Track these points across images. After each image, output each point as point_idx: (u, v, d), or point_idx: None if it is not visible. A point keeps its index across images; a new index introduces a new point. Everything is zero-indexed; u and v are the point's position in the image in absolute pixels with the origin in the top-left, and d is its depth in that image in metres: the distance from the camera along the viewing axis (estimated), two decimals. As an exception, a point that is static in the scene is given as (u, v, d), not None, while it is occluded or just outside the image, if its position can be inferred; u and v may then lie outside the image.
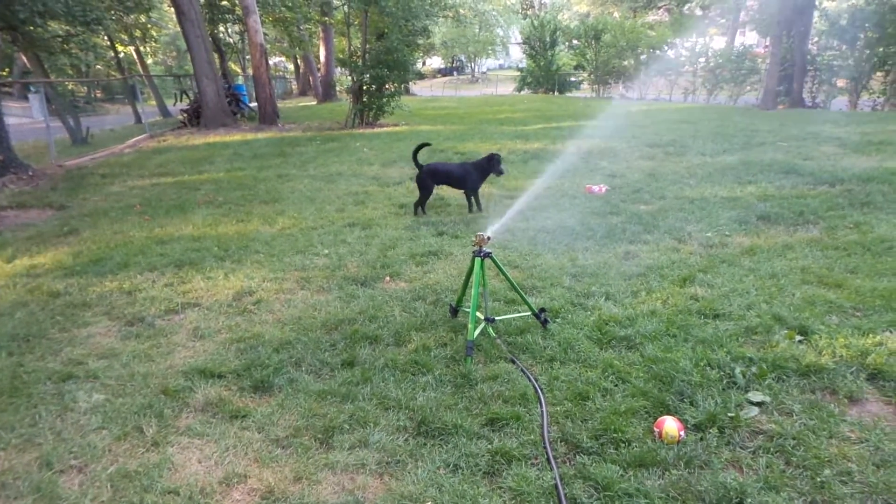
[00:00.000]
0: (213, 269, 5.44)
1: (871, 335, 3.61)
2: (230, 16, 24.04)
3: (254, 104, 21.40)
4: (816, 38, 22.21)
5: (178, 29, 19.76)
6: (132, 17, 23.05)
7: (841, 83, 20.63)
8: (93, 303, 4.74)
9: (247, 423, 3.08)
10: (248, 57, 24.87)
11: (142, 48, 29.09)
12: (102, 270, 5.47)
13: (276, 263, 5.54)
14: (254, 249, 5.96)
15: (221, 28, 25.71)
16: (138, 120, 20.52)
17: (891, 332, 3.66)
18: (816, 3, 21.85)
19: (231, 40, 29.27)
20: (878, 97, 19.45)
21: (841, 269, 4.76)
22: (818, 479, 2.50)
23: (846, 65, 19.88)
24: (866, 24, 18.81)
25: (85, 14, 15.11)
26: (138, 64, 29.02)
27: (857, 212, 6.34)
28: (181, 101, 25.04)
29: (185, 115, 19.45)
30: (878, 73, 19.48)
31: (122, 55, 27.91)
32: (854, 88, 19.83)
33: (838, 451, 2.65)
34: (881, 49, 18.72)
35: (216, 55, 21.87)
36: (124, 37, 25.88)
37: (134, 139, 16.31)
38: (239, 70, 33.45)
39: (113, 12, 20.18)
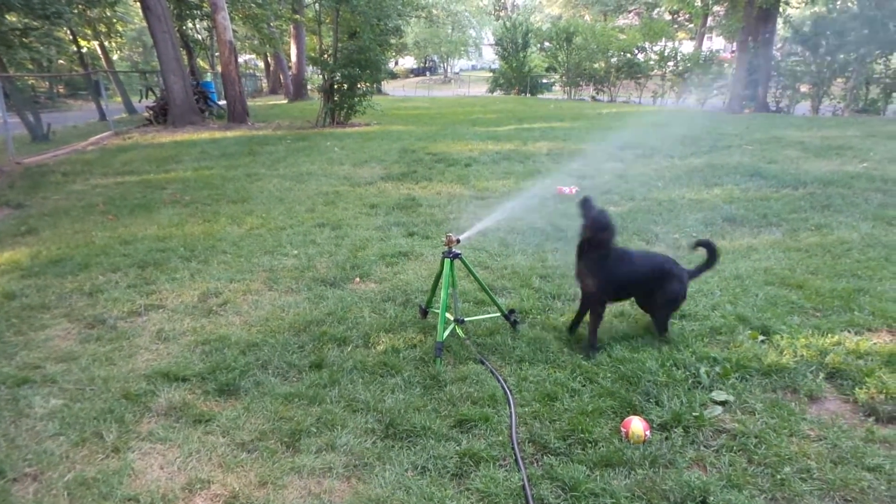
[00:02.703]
0: (179, 269, 5.32)
1: (830, 335, 3.70)
2: (198, 12, 23.60)
3: (223, 102, 21.06)
4: (780, 45, 22.76)
5: (145, 24, 19.32)
6: (96, 10, 22.49)
7: (804, 88, 21.16)
8: (51, 305, 4.60)
9: (211, 427, 3.02)
10: (217, 54, 24.45)
11: (106, 43, 28.41)
12: (62, 271, 5.31)
13: (243, 264, 5.45)
14: (221, 250, 5.85)
15: (189, 24, 25.24)
16: (103, 117, 20.03)
17: (849, 331, 3.76)
18: (780, 10, 22.39)
19: (199, 37, 28.76)
20: (839, 103, 20.02)
21: (802, 270, 4.88)
22: (778, 477, 2.55)
23: (809, 70, 20.41)
24: (828, 32, 19.33)
25: (44, 7, 14.66)
26: (102, 59, 28.33)
27: (819, 214, 6.50)
28: (147, 97, 24.51)
29: (152, 112, 19.03)
30: (839, 80, 20.03)
31: (85, 50, 27.19)
32: (816, 94, 20.36)
33: (798, 449, 2.71)
34: (842, 56, 19.27)
35: (184, 52, 21.47)
36: (88, 31, 25.25)
37: (98, 136, 15.89)
38: (208, 67, 32.91)
39: (75, 6, 19.65)
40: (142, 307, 4.53)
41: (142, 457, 2.81)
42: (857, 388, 3.15)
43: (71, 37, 24.82)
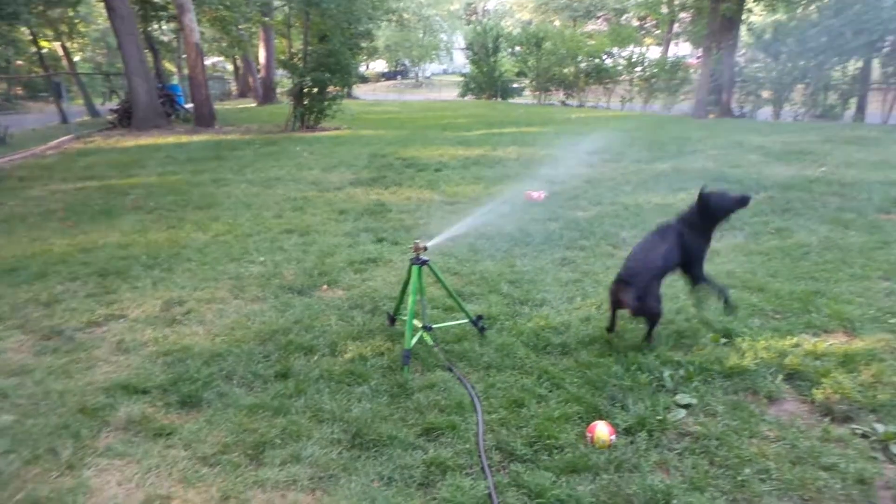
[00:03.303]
0: (141, 277, 5.21)
1: (788, 337, 3.79)
2: (164, 13, 23.18)
3: (189, 105, 20.72)
4: (744, 51, 23.32)
5: (109, 24, 18.90)
6: (57, 11, 21.93)
7: (766, 94, 21.69)
8: (4, 315, 4.44)
9: (172, 440, 2.95)
10: (183, 56, 24.04)
11: (68, 44, 27.72)
12: (16, 280, 5.14)
13: (208, 271, 5.35)
14: (185, 257, 5.74)
15: (155, 25, 24.77)
16: (64, 119, 19.50)
17: (806, 333, 3.85)
18: (744, 17, 22.94)
19: (165, 39, 28.26)
20: (799, 108, 20.57)
21: (763, 273, 4.99)
22: (739, 478, 2.59)
23: (770, 77, 20.93)
24: (788, 39, 19.87)
25: (0, 6, 14.23)
26: (64, 60, 27.62)
27: (779, 218, 6.66)
28: (111, 100, 23.99)
29: (116, 115, 18.62)
30: (799, 86, 20.58)
31: (45, 51, 26.49)
32: (777, 99, 20.88)
33: (758, 450, 2.76)
34: (801, 63, 19.81)
35: (149, 53, 21.08)
36: (48, 32, 24.60)
37: (58, 140, 15.46)
38: (174, 69, 32.34)
39: (34, 6, 19.13)
40: (101, 317, 4.41)
41: (98, 473, 2.73)
42: (814, 389, 3.23)
43: (31, 37, 24.15)
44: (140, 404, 3.25)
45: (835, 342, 3.74)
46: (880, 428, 2.87)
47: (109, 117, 19.08)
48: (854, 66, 19.81)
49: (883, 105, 18.89)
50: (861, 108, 19.90)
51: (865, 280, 4.75)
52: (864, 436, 2.87)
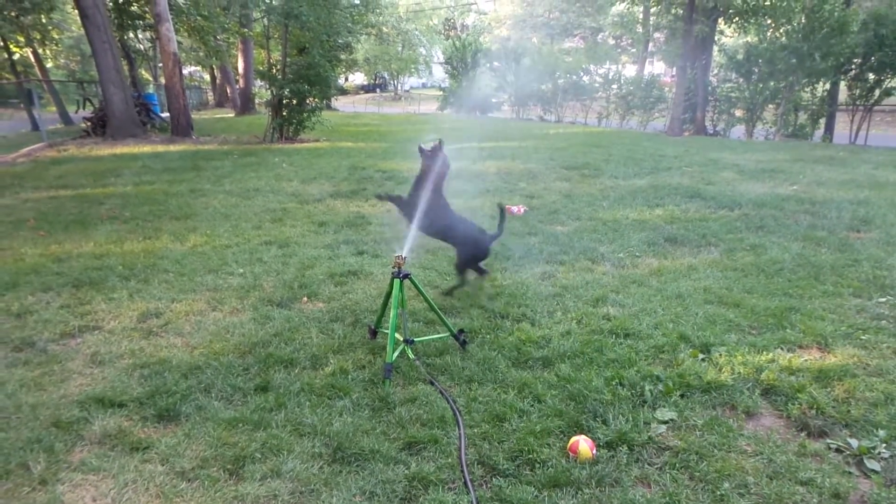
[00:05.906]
0: (117, 289, 5.11)
1: (764, 352, 3.86)
2: (140, 22, 22.94)
3: (166, 114, 20.49)
4: (716, 71, 23.88)
5: (83, 31, 18.62)
6: (30, 17, 21.60)
7: (739, 113, 22.21)
8: (-25, 327, 4.33)
9: (149, 455, 2.89)
10: (160, 65, 23.77)
11: (40, 50, 27.27)
12: (-13, 291, 5.01)
13: (186, 283, 5.28)
14: (162, 268, 5.66)
15: (131, 34, 24.50)
16: (35, 127, 19.16)
17: (781, 349, 3.93)
18: (716, 38, 23.51)
19: (142, 47, 27.96)
20: (771, 127, 21.09)
21: (739, 289, 5.08)
22: (718, 493, 2.62)
23: (743, 96, 21.45)
24: (759, 60, 20.40)
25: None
26: (36, 67, 27.15)
27: (753, 235, 6.81)
28: (85, 108, 23.60)
29: (90, 123, 18.30)
30: (770, 106, 21.12)
31: (16, 57, 26.01)
32: (750, 119, 21.40)
33: (736, 465, 2.80)
34: (772, 83, 20.35)
35: (125, 62, 20.83)
36: (20, 38, 24.20)
37: (29, 148, 15.15)
38: (150, 78, 31.99)
39: (7, 12, 18.81)
40: (75, 329, 4.32)
41: (72, 489, 2.66)
42: (789, 404, 3.29)
43: (1, 43, 23.71)
44: (116, 418, 3.18)
45: (809, 358, 3.82)
46: (854, 443, 2.94)
47: (83, 125, 18.75)
48: (822, 87, 20.42)
49: (850, 126, 19.48)
50: (829, 129, 20.50)
51: (837, 297, 4.87)
52: (838, 450, 2.93)
